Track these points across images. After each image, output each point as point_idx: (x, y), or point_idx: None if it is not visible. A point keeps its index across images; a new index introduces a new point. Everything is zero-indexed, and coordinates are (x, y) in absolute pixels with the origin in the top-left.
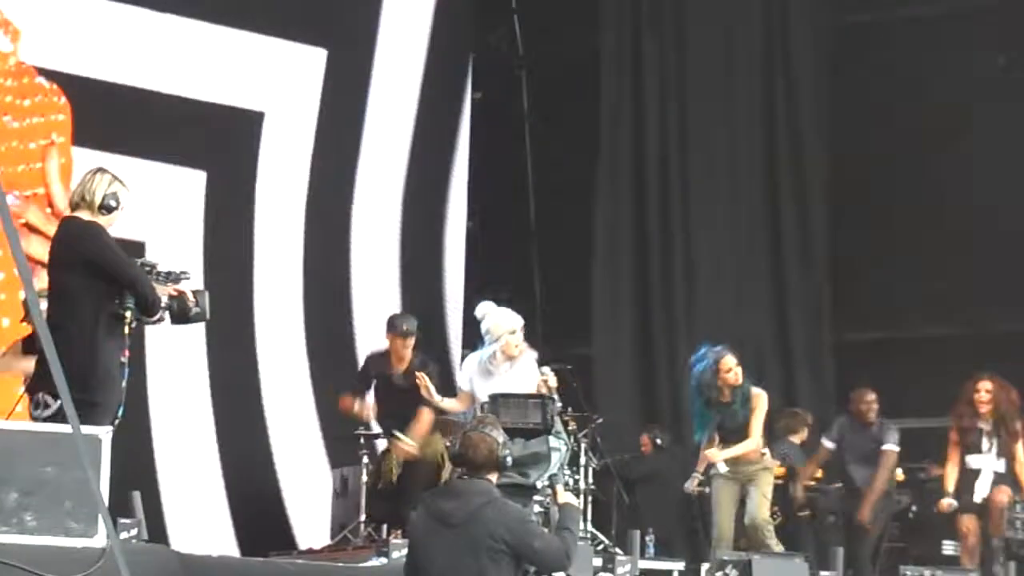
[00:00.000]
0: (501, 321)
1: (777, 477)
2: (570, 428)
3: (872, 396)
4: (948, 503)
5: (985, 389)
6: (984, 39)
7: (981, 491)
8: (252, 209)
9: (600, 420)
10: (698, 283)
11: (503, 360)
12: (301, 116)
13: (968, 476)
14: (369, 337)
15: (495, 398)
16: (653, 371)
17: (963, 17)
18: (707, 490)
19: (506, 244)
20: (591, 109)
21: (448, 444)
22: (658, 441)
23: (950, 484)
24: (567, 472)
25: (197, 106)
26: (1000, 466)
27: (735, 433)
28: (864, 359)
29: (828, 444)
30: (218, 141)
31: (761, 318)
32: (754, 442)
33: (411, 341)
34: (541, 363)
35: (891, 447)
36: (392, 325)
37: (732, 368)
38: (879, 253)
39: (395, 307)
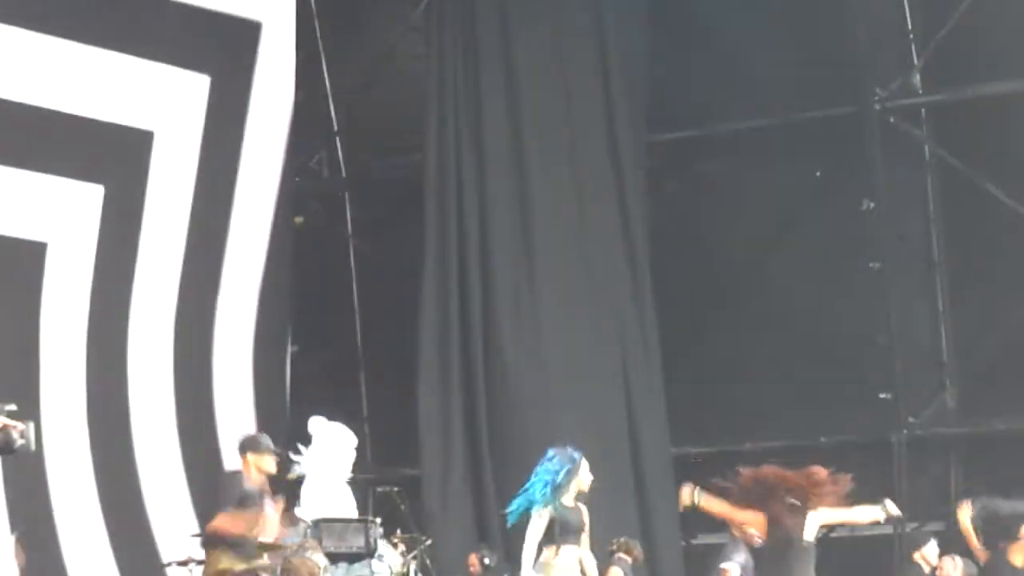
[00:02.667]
0: (336, 436)
1: None
2: (399, 550)
3: None
4: None
5: None
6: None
7: None
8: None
9: (429, 542)
10: (524, 400)
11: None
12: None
13: None
14: None
15: (318, 523)
16: (482, 490)
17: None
18: None
19: (332, 366)
20: (415, 229)
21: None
22: (486, 561)
23: None
24: None
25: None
26: None
27: (573, 533)
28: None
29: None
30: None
31: (598, 434)
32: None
33: None
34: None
35: (726, 565)
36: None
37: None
38: (714, 366)
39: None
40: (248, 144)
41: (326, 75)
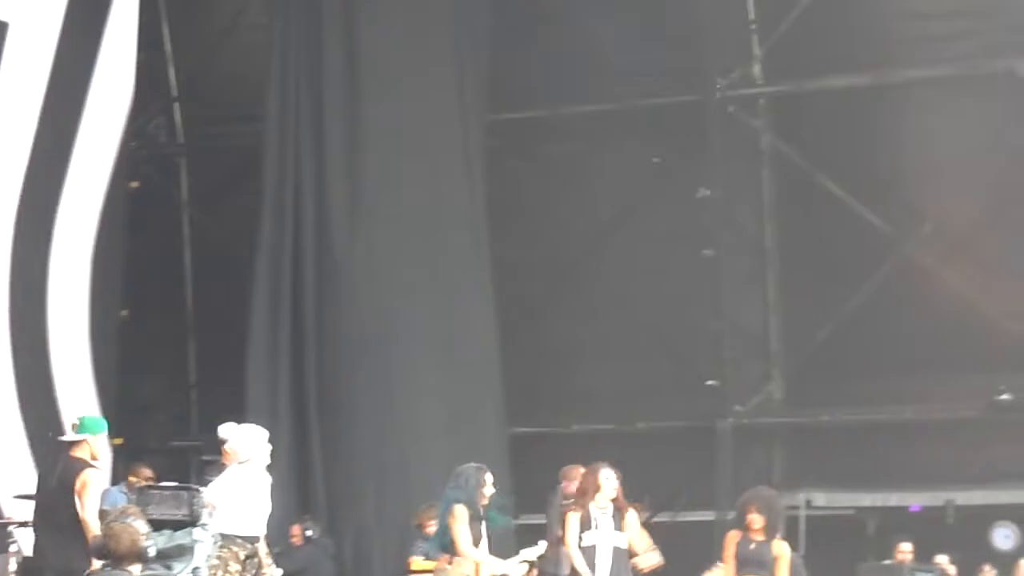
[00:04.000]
0: (254, 439)
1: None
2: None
3: None
4: None
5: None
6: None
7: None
8: None
9: None
10: (358, 372)
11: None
12: None
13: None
14: None
15: (142, 490)
16: (308, 461)
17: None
18: None
19: (162, 332)
20: (250, 198)
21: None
22: (309, 532)
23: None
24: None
25: None
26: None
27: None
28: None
29: None
30: None
31: (435, 412)
32: None
33: None
34: None
35: None
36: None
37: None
38: (548, 348)
39: None
40: (92, 99)
41: (167, 40)
